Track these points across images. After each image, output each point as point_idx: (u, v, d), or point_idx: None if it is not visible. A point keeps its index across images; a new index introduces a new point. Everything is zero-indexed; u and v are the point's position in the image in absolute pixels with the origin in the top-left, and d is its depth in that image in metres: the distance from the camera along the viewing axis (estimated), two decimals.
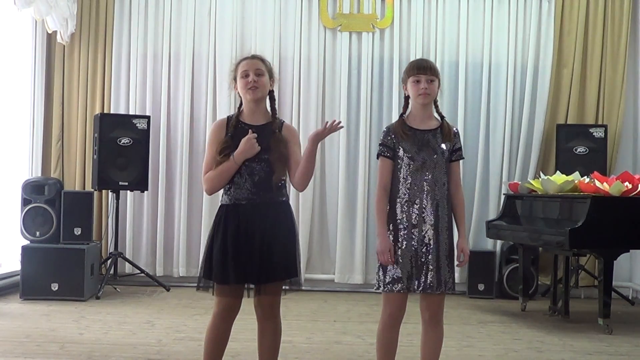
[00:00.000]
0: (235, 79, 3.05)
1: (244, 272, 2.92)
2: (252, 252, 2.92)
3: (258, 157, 2.96)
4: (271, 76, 3.08)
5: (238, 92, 3.07)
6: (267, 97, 3.10)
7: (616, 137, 6.59)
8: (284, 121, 3.11)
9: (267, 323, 3.06)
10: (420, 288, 3.04)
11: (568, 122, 6.63)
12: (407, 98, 3.21)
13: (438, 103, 3.21)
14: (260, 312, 3.05)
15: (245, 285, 3.00)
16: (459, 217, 3.16)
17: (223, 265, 2.93)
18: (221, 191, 3.05)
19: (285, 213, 3.03)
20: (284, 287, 3.05)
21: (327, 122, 2.92)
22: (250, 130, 2.95)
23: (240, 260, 2.92)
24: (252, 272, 2.92)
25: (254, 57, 3.08)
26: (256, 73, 3.00)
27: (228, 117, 3.10)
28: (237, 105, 3.12)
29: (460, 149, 3.19)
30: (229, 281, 2.93)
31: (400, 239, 3.06)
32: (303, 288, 6.93)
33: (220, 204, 3.05)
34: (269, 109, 3.10)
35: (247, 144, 2.92)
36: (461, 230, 3.15)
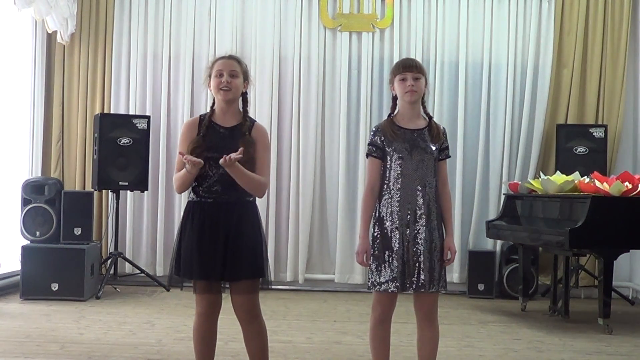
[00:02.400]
0: (210, 77, 3.05)
1: (207, 268, 2.94)
2: (216, 249, 2.93)
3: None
4: (246, 78, 3.08)
5: (211, 91, 3.08)
6: (240, 98, 3.10)
7: (616, 137, 6.59)
8: (255, 121, 3.09)
9: (250, 326, 3.06)
10: (413, 287, 3.05)
11: (568, 122, 6.63)
12: (394, 98, 3.22)
13: (425, 103, 3.22)
14: (241, 314, 3.04)
15: (223, 285, 3.01)
16: (446, 215, 3.16)
17: (190, 261, 2.97)
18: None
19: (251, 212, 3.02)
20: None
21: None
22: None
23: (204, 257, 2.94)
24: (215, 269, 2.93)
25: (230, 57, 3.08)
26: (230, 74, 3.01)
27: (200, 116, 3.11)
28: (211, 105, 3.12)
29: (447, 147, 3.20)
30: (193, 277, 2.97)
31: (392, 239, 3.06)
32: (303, 288, 6.92)
33: (187, 200, 3.08)
34: (241, 109, 3.10)
35: (189, 167, 2.89)
36: (448, 229, 3.16)
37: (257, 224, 3.05)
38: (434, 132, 3.13)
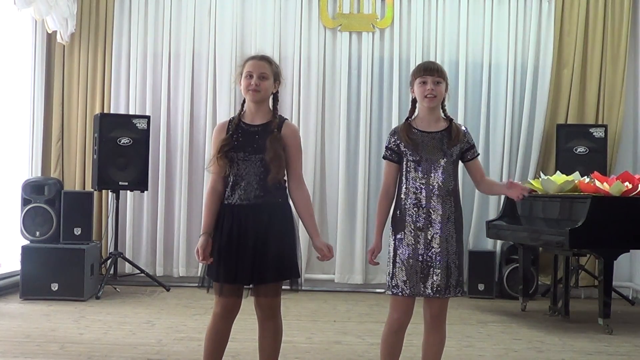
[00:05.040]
0: (241, 74, 3.05)
1: (235, 272, 2.93)
2: (245, 252, 2.92)
3: (255, 156, 2.96)
4: (276, 79, 3.07)
5: (241, 90, 3.08)
6: (271, 98, 3.09)
7: (616, 137, 6.58)
8: (285, 119, 3.10)
9: (267, 324, 3.06)
10: (427, 292, 3.02)
11: (568, 122, 6.63)
12: (414, 101, 3.18)
13: (445, 105, 3.18)
14: (260, 313, 3.05)
15: (245, 286, 3.00)
16: (497, 185, 3.34)
17: (217, 264, 2.96)
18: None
19: (281, 214, 3.01)
20: (283, 287, 3.05)
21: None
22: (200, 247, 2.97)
23: (232, 260, 2.93)
24: (243, 273, 2.93)
25: (262, 58, 3.06)
26: (260, 76, 3.00)
27: (230, 118, 3.11)
28: (241, 103, 3.11)
29: (473, 146, 3.15)
30: (219, 279, 2.96)
31: (407, 242, 3.05)
32: (303, 288, 6.94)
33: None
34: (271, 107, 3.10)
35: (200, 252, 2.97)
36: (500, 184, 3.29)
37: (289, 224, 3.03)
38: (453, 134, 3.08)
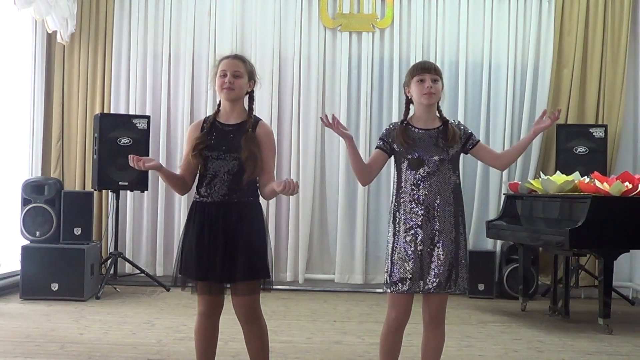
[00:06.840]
0: (215, 75, 3.06)
1: (206, 269, 2.94)
2: (215, 250, 2.93)
3: (229, 155, 2.96)
4: (251, 78, 3.08)
5: (216, 89, 3.09)
6: (247, 97, 3.10)
7: (616, 137, 6.59)
8: (260, 119, 3.10)
9: (250, 327, 3.06)
10: (426, 287, 3.02)
11: (568, 122, 6.63)
12: (407, 103, 3.20)
13: (441, 107, 3.18)
14: (240, 315, 3.04)
15: (224, 285, 3.01)
16: (517, 146, 3.33)
17: (187, 261, 2.99)
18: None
19: (252, 213, 3.01)
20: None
21: (288, 183, 2.80)
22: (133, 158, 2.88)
23: (203, 258, 2.94)
24: (214, 270, 2.93)
25: (235, 57, 3.08)
26: (234, 74, 3.01)
27: (205, 117, 3.13)
28: (217, 104, 3.13)
29: (471, 135, 3.14)
30: (191, 276, 2.98)
31: (404, 239, 3.05)
32: (304, 288, 6.93)
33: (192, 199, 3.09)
34: (247, 107, 3.11)
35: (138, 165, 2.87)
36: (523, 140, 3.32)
37: (259, 224, 3.03)
38: (450, 133, 3.08)
